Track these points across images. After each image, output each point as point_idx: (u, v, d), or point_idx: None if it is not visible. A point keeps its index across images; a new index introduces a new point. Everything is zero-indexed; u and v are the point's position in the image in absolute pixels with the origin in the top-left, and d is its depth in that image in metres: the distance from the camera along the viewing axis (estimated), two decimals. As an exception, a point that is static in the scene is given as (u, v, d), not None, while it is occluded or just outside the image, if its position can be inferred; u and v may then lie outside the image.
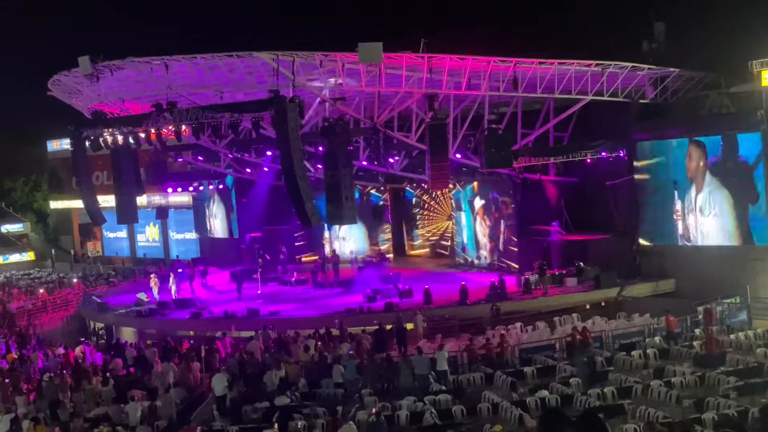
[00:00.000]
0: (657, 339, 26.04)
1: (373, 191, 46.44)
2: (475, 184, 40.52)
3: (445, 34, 32.64)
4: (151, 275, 40.74)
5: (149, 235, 57.55)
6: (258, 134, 28.95)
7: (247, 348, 26.56)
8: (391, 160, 37.46)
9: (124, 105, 33.44)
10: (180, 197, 51.83)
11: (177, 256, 52.90)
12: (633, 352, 24.51)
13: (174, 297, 37.54)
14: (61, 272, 56.43)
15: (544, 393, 20.52)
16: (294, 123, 25.49)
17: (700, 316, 26.87)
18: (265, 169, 41.08)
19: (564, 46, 37.37)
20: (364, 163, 37.20)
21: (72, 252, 63.76)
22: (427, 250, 46.94)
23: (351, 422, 18.58)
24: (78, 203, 46.82)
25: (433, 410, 19.99)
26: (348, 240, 46.20)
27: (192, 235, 53.49)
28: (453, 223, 43.91)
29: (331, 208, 28.20)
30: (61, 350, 30.09)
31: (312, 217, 26.70)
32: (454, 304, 32.33)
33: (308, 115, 30.44)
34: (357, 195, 34.11)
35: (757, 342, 24.85)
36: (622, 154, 35.38)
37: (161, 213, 49.78)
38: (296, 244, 45.13)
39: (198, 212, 51.85)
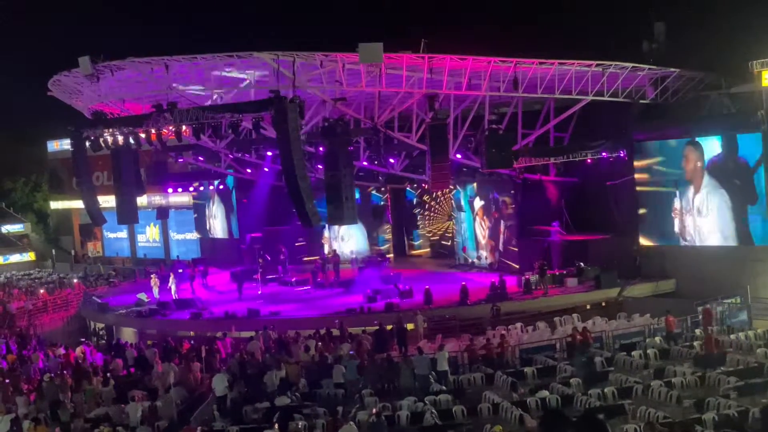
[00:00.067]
0: (657, 339, 26.05)
1: (373, 191, 46.44)
2: (476, 184, 40.53)
3: (446, 35, 32.64)
4: (152, 275, 40.78)
5: (150, 235, 57.60)
6: (258, 134, 28.96)
7: (248, 348, 26.56)
8: (391, 161, 37.46)
9: (125, 105, 33.45)
10: (180, 197, 51.85)
11: (177, 256, 52.92)
12: (633, 353, 24.52)
13: (174, 297, 37.57)
14: (62, 272, 56.47)
15: (545, 393, 20.52)
16: (294, 123, 25.48)
17: (700, 317, 26.90)
18: (266, 169, 41.07)
19: (564, 46, 37.39)
20: (365, 163, 37.20)
21: (72, 252, 63.82)
22: (428, 250, 46.99)
23: (351, 422, 18.58)
24: (78, 203, 46.85)
25: (433, 410, 19.99)
26: (347, 240, 46.17)
27: (192, 236, 53.52)
28: (453, 224, 43.92)
29: (331, 208, 28.20)
30: (61, 350, 30.09)
31: (312, 218, 26.70)
32: (455, 305, 32.33)
33: (308, 116, 30.45)
34: (357, 195, 34.07)
35: (757, 342, 24.85)
36: (622, 155, 35.37)
37: (162, 213, 49.79)
38: (297, 244, 45.13)
39: (198, 212, 51.89)
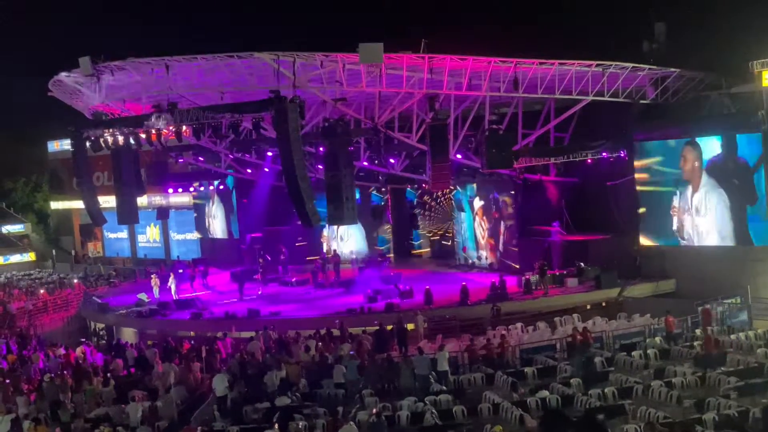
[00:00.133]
0: (657, 339, 26.04)
1: (373, 192, 46.43)
2: (476, 184, 40.53)
3: (446, 35, 32.59)
4: (152, 276, 40.79)
5: (150, 235, 57.62)
6: (259, 135, 28.97)
7: (248, 348, 26.56)
8: (391, 161, 37.47)
9: (125, 105, 33.46)
10: (181, 198, 51.86)
11: (178, 256, 52.93)
12: (633, 353, 24.52)
13: (173, 297, 37.59)
14: (62, 273, 56.48)
15: (545, 393, 20.51)
16: (294, 123, 25.50)
17: (700, 317, 26.90)
18: (266, 169, 41.09)
19: (564, 46, 37.38)
20: (365, 163, 37.21)
21: (73, 252, 63.85)
22: (428, 250, 46.98)
23: (352, 423, 18.58)
24: (79, 204, 46.85)
25: (433, 410, 19.99)
26: (346, 241, 46.10)
27: (193, 236, 53.54)
28: (453, 224, 43.91)
29: (331, 208, 28.22)
30: (61, 351, 30.09)
31: (313, 218, 26.72)
32: (455, 305, 32.32)
33: (309, 116, 30.46)
34: (357, 195, 34.07)
35: (757, 342, 24.85)
36: (622, 155, 35.37)
37: (162, 213, 49.81)
38: (297, 244, 45.15)
39: (199, 213, 51.91)
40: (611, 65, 31.64)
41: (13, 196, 69.07)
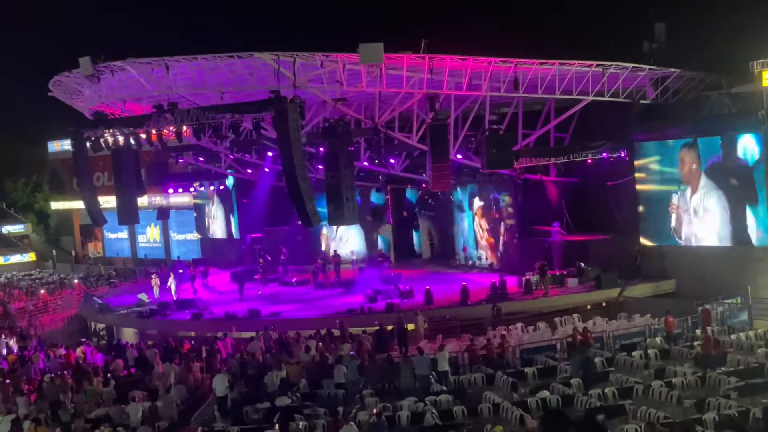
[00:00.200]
0: (658, 339, 26.04)
1: (374, 192, 46.39)
2: (476, 184, 40.52)
3: (446, 35, 32.62)
4: (152, 276, 40.79)
5: (150, 235, 57.61)
6: (259, 135, 28.97)
7: (248, 348, 26.55)
8: (392, 161, 37.48)
9: (125, 106, 33.47)
10: (181, 198, 51.84)
11: (178, 256, 52.92)
12: (634, 353, 24.52)
13: (173, 297, 37.59)
14: (62, 273, 56.48)
15: (545, 393, 20.50)
16: (295, 123, 25.50)
17: (700, 317, 26.90)
18: (266, 169, 41.06)
19: (564, 46, 37.42)
20: (365, 163, 37.20)
21: (73, 253, 63.82)
22: (428, 250, 46.92)
23: (352, 423, 18.57)
24: (79, 204, 46.80)
25: (434, 411, 19.98)
26: (345, 241, 46.00)
27: (193, 236, 53.54)
28: (454, 224, 43.87)
29: (331, 208, 28.22)
30: (62, 351, 30.09)
31: (313, 218, 26.73)
32: (455, 305, 32.32)
33: (309, 116, 30.46)
34: (357, 195, 34.06)
35: (757, 342, 24.84)
36: (623, 155, 35.37)
37: (162, 214, 49.78)
38: (297, 239, 45.09)
39: (199, 213, 51.90)
40: (611, 65, 31.64)
41: (13, 197, 69.08)
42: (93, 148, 31.46)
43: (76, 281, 50.49)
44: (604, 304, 32.03)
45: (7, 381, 25.22)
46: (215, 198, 49.63)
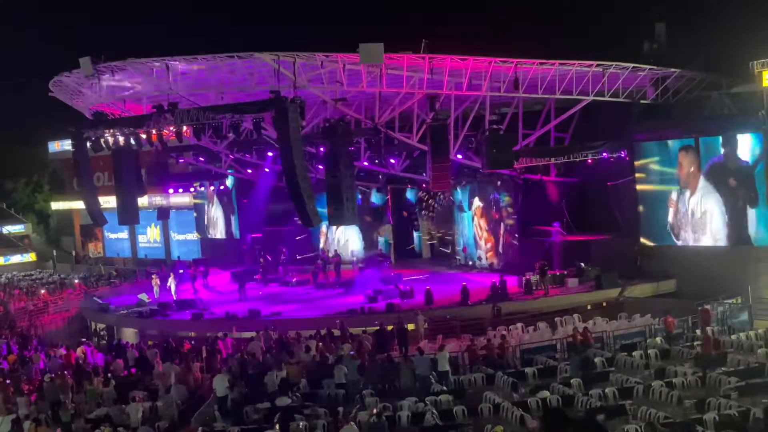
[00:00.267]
0: (658, 339, 26.02)
1: (374, 192, 46.36)
2: (476, 184, 40.52)
3: (446, 35, 32.67)
4: (153, 276, 40.79)
5: (150, 236, 57.58)
6: (259, 135, 28.97)
7: (249, 348, 26.56)
8: (392, 161, 37.48)
9: (125, 106, 33.47)
10: (181, 198, 51.84)
11: (178, 256, 52.93)
12: (634, 353, 24.51)
13: (173, 297, 37.59)
14: (63, 273, 56.47)
15: (546, 394, 20.50)
16: (295, 123, 25.49)
17: (700, 317, 26.89)
18: (266, 169, 41.08)
19: (564, 46, 37.43)
20: (365, 163, 37.21)
21: (73, 253, 63.79)
22: (428, 250, 46.91)
23: (352, 423, 18.56)
24: (79, 204, 46.79)
25: (434, 411, 19.98)
26: (343, 242, 45.92)
27: (193, 236, 53.53)
28: (454, 224, 43.86)
29: (332, 209, 28.22)
30: (62, 351, 30.11)
31: (313, 218, 26.72)
32: (456, 305, 32.33)
33: (309, 116, 30.45)
34: (358, 195, 34.08)
35: (758, 342, 24.82)
36: (623, 155, 35.37)
37: (162, 214, 49.75)
38: (297, 238, 45.07)
39: (199, 213, 51.90)
40: (611, 65, 31.63)
41: (13, 197, 69.08)
42: (93, 148, 31.45)
43: (76, 281, 50.48)
44: (604, 304, 32.02)
45: (8, 381, 25.23)
46: (216, 198, 49.62)
